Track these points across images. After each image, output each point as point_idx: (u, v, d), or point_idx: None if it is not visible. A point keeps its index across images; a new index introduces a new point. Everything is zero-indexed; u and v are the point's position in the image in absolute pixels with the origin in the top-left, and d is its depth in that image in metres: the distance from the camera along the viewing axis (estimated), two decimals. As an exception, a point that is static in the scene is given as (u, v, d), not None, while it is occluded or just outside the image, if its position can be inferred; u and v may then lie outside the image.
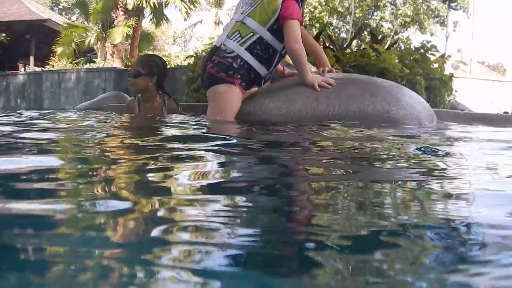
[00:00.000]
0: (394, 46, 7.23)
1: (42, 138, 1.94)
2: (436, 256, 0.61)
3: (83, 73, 17.11)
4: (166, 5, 22.90)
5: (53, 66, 20.84)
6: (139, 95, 3.86)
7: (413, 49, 6.71)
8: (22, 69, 22.55)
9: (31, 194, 0.92)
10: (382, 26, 33.93)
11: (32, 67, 23.03)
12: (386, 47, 6.96)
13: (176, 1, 22.71)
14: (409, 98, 2.96)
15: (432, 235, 0.68)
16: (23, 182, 1.02)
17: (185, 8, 23.50)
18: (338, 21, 35.22)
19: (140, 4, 19.96)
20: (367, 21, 34.44)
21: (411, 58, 6.51)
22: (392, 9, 33.82)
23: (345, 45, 6.98)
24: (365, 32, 32.56)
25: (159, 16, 22.73)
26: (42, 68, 21.06)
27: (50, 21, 23.45)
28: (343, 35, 31.86)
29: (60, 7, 42.04)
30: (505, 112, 7.20)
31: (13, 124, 3.19)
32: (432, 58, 7.01)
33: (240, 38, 3.11)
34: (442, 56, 8.88)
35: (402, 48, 7.13)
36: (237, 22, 3.21)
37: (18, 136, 2.07)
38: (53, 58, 21.21)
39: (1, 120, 3.56)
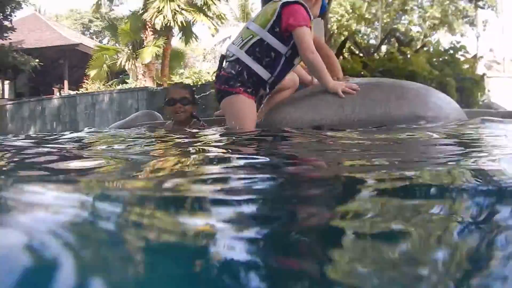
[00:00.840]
0: (424, 48, 7.11)
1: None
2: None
3: (116, 94, 17.44)
4: (193, 23, 23.22)
5: (86, 89, 21.27)
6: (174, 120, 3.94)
7: (443, 50, 6.60)
8: (57, 93, 23.07)
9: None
10: (411, 30, 33.61)
11: (66, 91, 23.55)
12: (415, 50, 6.85)
13: (203, 19, 23.01)
14: (437, 99, 2.89)
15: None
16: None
17: (213, 25, 23.79)
18: (366, 27, 35.10)
19: (168, 24, 20.25)
20: (396, 26, 34.18)
21: (441, 59, 6.41)
22: (419, 12, 33.50)
23: (372, 51, 6.89)
24: (393, 39, 32.36)
25: (187, 34, 23.04)
26: (70, 92, 21.54)
27: (81, 45, 24.01)
28: (372, 41, 31.74)
29: (91, 31, 43.02)
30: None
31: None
32: (463, 59, 6.91)
33: (241, 41, 3.08)
34: (474, 56, 8.72)
35: (431, 50, 7.00)
36: (244, 28, 3.21)
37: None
38: (87, 81, 21.66)
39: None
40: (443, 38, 34.75)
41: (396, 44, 7.54)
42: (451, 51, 6.43)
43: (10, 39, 19.51)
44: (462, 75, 6.16)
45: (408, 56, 5.87)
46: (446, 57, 6.44)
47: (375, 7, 33.37)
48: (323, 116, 2.85)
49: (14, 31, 19.75)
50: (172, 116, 3.93)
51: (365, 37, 34.36)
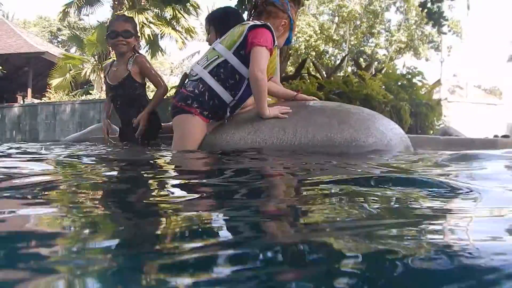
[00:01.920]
0: (381, 72, 7.18)
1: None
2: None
3: (78, 105, 17.18)
4: (161, 37, 23.12)
5: (49, 98, 20.92)
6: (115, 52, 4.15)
7: (401, 74, 6.66)
8: (21, 101, 22.60)
9: None
10: (377, 52, 34.20)
11: (30, 99, 23.11)
12: (372, 73, 6.91)
13: (171, 32, 22.95)
14: (380, 125, 2.87)
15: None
16: None
17: (181, 39, 23.74)
18: (334, 48, 35.57)
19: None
20: (362, 48, 34.72)
21: (399, 84, 6.47)
22: (386, 35, 34.12)
23: (329, 73, 6.93)
24: (361, 59, 32.85)
25: (154, 47, 22.91)
26: (34, 100, 21.17)
27: (47, 53, 23.63)
28: (338, 62, 32.16)
29: (59, 39, 42.51)
30: (495, 136, 7.09)
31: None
32: (421, 84, 7.00)
33: (206, 61, 3.05)
34: (438, 81, 8.85)
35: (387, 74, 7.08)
36: (210, 48, 3.17)
37: None
38: (50, 90, 21.29)
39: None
40: (408, 62, 35.55)
41: (363, 66, 7.61)
42: (409, 76, 6.48)
43: (-29, 43, 19.13)
44: (418, 100, 6.22)
45: (364, 79, 5.90)
46: (404, 82, 6.49)
47: (343, 29, 33.89)
48: (264, 138, 2.80)
49: (-24, 36, 19.37)
50: (113, 48, 4.09)
51: (332, 58, 34.85)
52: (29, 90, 23.96)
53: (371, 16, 33.09)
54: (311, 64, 7.90)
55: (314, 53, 32.56)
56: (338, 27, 34.49)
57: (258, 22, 3.02)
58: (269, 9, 3.13)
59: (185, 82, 3.17)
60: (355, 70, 6.60)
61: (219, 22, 3.41)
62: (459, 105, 20.82)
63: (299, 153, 2.64)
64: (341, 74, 7.94)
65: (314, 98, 3.47)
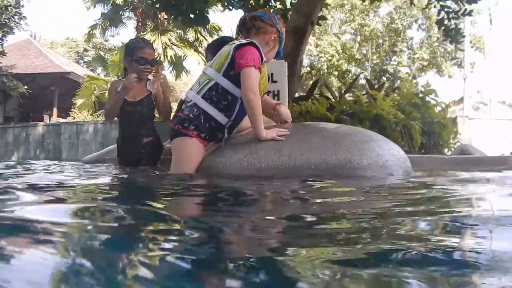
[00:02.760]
0: (395, 92, 7.17)
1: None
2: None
3: (101, 125, 17.42)
4: (184, 58, 23.43)
5: (73, 118, 21.29)
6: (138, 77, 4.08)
7: (414, 93, 6.64)
8: (48, 120, 23.04)
9: None
10: (399, 71, 34.07)
11: (55, 118, 23.53)
12: (385, 93, 6.90)
13: (193, 54, 23.26)
14: (376, 146, 2.86)
15: None
16: None
17: (203, 60, 24.01)
18: (356, 68, 35.57)
19: (158, 58, 20.45)
20: (385, 67, 34.64)
21: (413, 102, 6.45)
22: (409, 53, 33.99)
23: (341, 94, 6.94)
24: (384, 78, 32.76)
25: (178, 68, 23.23)
26: (60, 120, 21.54)
27: (73, 73, 24.10)
28: (361, 81, 32.13)
29: (85, 60, 43.30)
30: (512, 154, 6.98)
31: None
32: (435, 102, 6.97)
33: (198, 86, 3.09)
34: (461, 99, 8.79)
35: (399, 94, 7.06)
36: (201, 73, 3.23)
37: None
38: (74, 110, 21.67)
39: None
40: (432, 80, 35.28)
41: (386, 85, 7.61)
42: (421, 95, 6.46)
43: (0, 63, 19.58)
44: (430, 118, 6.19)
45: (376, 99, 5.91)
46: (416, 101, 6.46)
47: (366, 48, 33.89)
48: (260, 161, 2.83)
49: (5, 55, 19.84)
50: (137, 73, 4.02)
51: (354, 76, 34.83)
52: (55, 110, 24.41)
53: (393, 35, 33.04)
54: (324, 85, 7.92)
55: (336, 73, 32.60)
56: (361, 46, 34.53)
57: (243, 41, 3.04)
58: (257, 25, 3.14)
59: (182, 107, 3.19)
60: (367, 91, 6.59)
61: (216, 50, 3.46)
62: (482, 122, 20.53)
63: (284, 176, 2.68)
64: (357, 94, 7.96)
65: (287, 121, 3.39)
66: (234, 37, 3.57)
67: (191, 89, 3.15)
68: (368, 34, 32.89)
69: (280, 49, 3.28)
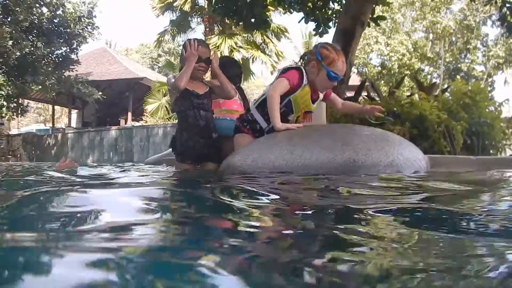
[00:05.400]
0: (446, 92, 7.10)
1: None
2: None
3: (170, 128, 18.05)
4: (253, 61, 23.75)
5: (146, 122, 22.09)
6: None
7: (463, 93, 6.55)
8: (124, 124, 24.03)
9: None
10: (474, 69, 32.90)
11: (129, 122, 24.46)
12: (435, 94, 6.86)
13: (261, 56, 23.54)
14: (386, 145, 2.97)
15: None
16: None
17: (270, 61, 24.27)
18: (429, 66, 34.69)
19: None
20: (459, 65, 33.58)
21: (461, 103, 6.38)
22: (484, 51, 32.76)
23: (389, 93, 6.94)
24: (458, 76, 31.76)
25: (246, 71, 23.53)
26: (135, 123, 22.41)
27: (146, 79, 24.92)
28: (434, 80, 31.29)
29: (159, 65, 44.61)
30: None
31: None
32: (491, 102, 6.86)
33: (258, 97, 3.96)
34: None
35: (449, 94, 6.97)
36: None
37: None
38: (146, 114, 22.47)
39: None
40: (509, 78, 33.84)
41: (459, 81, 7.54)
42: (469, 94, 6.37)
43: (76, 71, 20.67)
44: (477, 119, 6.11)
45: (420, 99, 5.92)
46: (466, 100, 6.38)
47: (438, 46, 33.00)
48: (273, 160, 3.02)
49: (80, 64, 20.93)
50: (192, 72, 3.99)
51: (428, 76, 34.00)
52: (129, 114, 25.39)
53: (466, 31, 31.96)
54: (371, 86, 7.94)
55: (408, 72, 31.94)
56: (433, 44, 33.67)
57: (291, 65, 3.90)
58: (307, 57, 3.86)
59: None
60: (415, 91, 6.60)
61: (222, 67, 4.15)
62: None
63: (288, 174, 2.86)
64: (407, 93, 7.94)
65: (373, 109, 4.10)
66: None
67: (254, 99, 3.99)
68: (440, 32, 31.96)
69: (329, 72, 3.62)
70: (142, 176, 3.69)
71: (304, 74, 3.66)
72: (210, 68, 4.21)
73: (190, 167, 4.11)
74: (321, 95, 3.90)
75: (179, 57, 4.53)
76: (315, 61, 3.66)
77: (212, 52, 4.35)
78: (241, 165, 3.13)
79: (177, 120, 4.33)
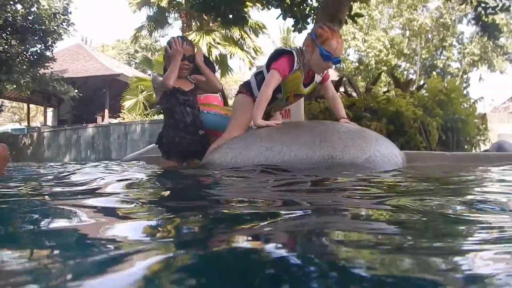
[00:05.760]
0: (422, 88, 7.20)
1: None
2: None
3: (148, 124, 17.96)
4: (231, 56, 23.74)
5: (123, 118, 21.91)
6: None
7: (438, 90, 6.64)
8: (100, 121, 23.81)
9: None
10: (449, 65, 33.34)
11: (106, 119, 24.25)
12: (411, 90, 6.95)
13: (238, 52, 23.54)
14: (363, 142, 3.02)
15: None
16: None
17: (248, 58, 24.28)
18: (406, 63, 35.04)
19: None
20: (435, 62, 33.99)
21: (437, 99, 6.47)
22: (459, 48, 33.22)
23: (365, 89, 7.01)
24: (434, 73, 32.14)
25: (224, 67, 23.53)
26: (113, 120, 22.22)
27: (122, 75, 24.71)
28: (411, 76, 31.67)
29: (137, 61, 44.27)
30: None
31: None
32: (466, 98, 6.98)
33: (256, 70, 4.15)
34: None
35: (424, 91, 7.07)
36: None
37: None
38: (123, 111, 22.29)
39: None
40: (484, 75, 34.41)
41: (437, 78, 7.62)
42: (445, 91, 6.47)
43: (52, 68, 20.39)
44: (452, 115, 6.21)
45: (396, 96, 6.01)
46: (442, 97, 6.48)
47: (414, 42, 33.35)
48: (252, 157, 3.04)
49: (55, 61, 20.62)
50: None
51: (404, 72, 34.34)
52: (106, 111, 25.17)
53: (442, 29, 32.36)
54: (348, 82, 8.02)
55: (385, 68, 32.19)
56: (410, 41, 34.00)
57: (285, 48, 3.85)
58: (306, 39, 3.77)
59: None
60: (391, 88, 6.68)
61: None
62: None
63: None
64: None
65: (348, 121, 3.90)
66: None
67: (258, 66, 4.26)
68: (416, 29, 32.30)
69: (322, 50, 3.56)
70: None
71: (296, 59, 3.63)
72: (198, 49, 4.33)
73: (176, 164, 4.14)
74: (317, 78, 3.86)
75: (163, 55, 4.46)
76: (310, 41, 3.64)
77: (196, 48, 4.36)
78: (221, 162, 3.15)
79: (163, 117, 4.35)
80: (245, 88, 3.98)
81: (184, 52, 4.07)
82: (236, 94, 4.10)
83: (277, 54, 3.75)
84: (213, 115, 4.40)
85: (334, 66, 3.96)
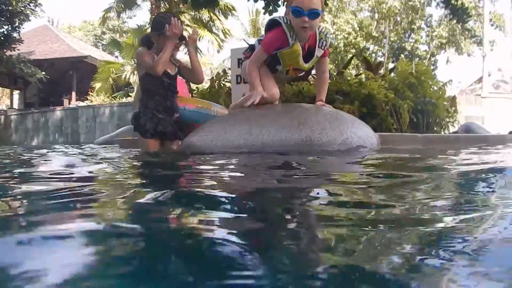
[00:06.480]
0: (393, 71, 7.33)
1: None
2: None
3: (117, 107, 17.79)
4: (200, 39, 23.53)
5: (91, 101, 21.66)
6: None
7: (408, 73, 6.76)
8: (68, 104, 23.45)
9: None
10: (417, 48, 33.77)
11: (74, 102, 23.91)
12: (383, 74, 7.07)
13: (208, 35, 23.39)
14: (340, 125, 3.09)
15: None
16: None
17: (217, 41, 24.15)
18: (374, 45, 35.35)
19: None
20: (403, 44, 34.38)
21: (407, 82, 6.59)
22: (427, 31, 33.66)
23: (336, 74, 7.10)
24: (402, 55, 32.54)
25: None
26: (80, 103, 21.93)
27: (90, 57, 24.38)
28: (379, 59, 31.99)
29: (104, 42, 43.53)
30: (510, 132, 7.11)
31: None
32: (435, 81, 7.12)
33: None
34: (480, 79, 8.85)
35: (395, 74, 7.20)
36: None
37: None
38: (92, 93, 22.03)
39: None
40: (452, 57, 34.96)
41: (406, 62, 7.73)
42: (415, 74, 6.60)
43: (18, 50, 19.96)
44: (422, 97, 6.34)
45: (367, 79, 6.11)
46: (412, 80, 6.59)
47: (383, 25, 33.64)
48: (232, 139, 3.08)
49: (22, 42, 20.18)
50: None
51: (372, 54, 34.65)
52: (74, 94, 24.79)
53: (410, 12, 32.70)
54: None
55: (354, 51, 32.43)
56: (378, 23, 34.27)
57: (277, 20, 3.64)
58: None
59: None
60: (363, 71, 6.76)
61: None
62: (497, 100, 20.45)
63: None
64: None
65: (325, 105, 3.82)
66: None
67: (258, 38, 4.11)
68: (385, 12, 32.56)
69: (293, 8, 3.43)
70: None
71: (288, 33, 3.49)
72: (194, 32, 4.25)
73: (156, 143, 4.09)
74: (319, 52, 3.66)
75: (152, 33, 4.14)
76: (287, 10, 3.75)
77: (192, 32, 4.28)
78: (200, 145, 3.18)
79: (141, 96, 4.21)
80: (251, 52, 3.96)
81: (183, 34, 4.00)
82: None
83: (269, 26, 3.72)
84: (191, 111, 4.34)
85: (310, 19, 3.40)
